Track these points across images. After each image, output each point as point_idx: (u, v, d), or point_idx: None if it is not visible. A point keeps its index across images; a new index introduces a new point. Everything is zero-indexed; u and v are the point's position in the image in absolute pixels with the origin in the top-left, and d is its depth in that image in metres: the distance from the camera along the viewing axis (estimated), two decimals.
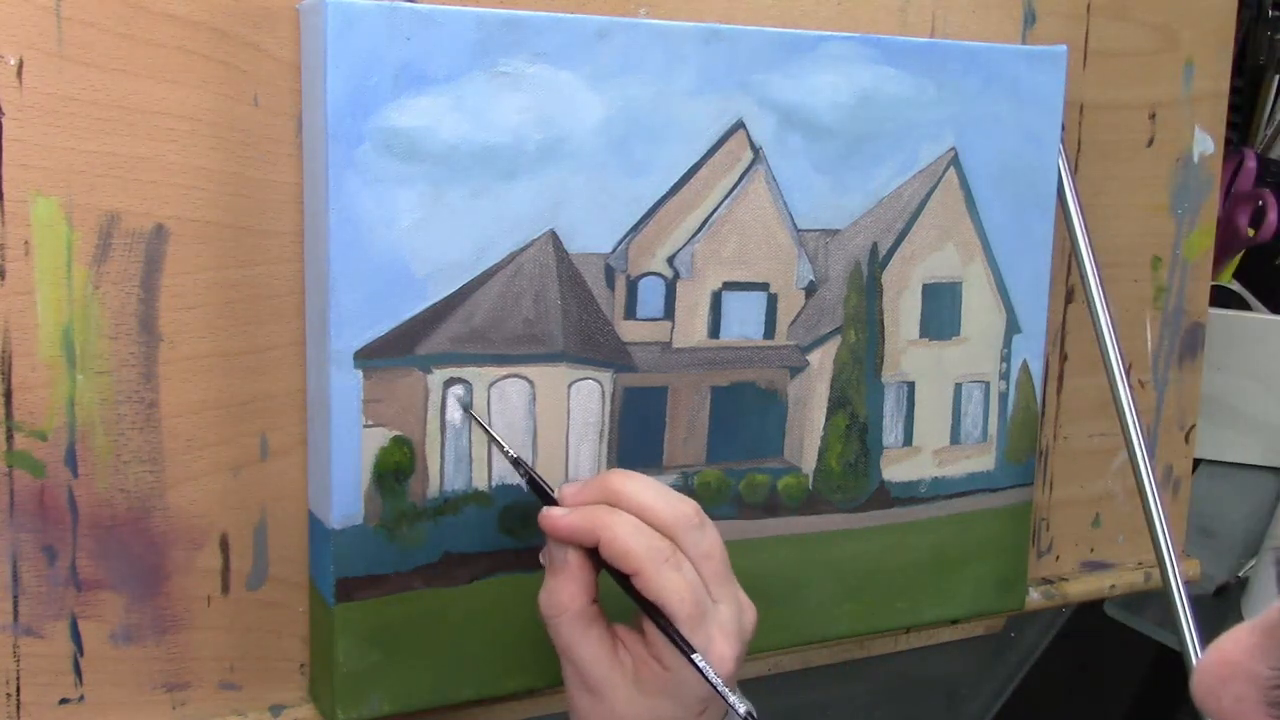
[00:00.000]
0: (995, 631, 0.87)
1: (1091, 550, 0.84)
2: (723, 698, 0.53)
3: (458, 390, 0.59)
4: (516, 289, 0.59)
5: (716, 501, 0.65)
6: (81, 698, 0.57)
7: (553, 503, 0.57)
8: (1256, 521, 1.03)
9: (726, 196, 0.64)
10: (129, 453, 0.56)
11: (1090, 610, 0.93)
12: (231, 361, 0.58)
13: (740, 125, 0.63)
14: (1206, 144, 0.83)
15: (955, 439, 0.72)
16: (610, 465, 0.63)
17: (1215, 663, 0.34)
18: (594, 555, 0.56)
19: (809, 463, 0.68)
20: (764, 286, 0.66)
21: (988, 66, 0.69)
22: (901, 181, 0.68)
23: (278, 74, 0.57)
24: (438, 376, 0.58)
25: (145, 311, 0.56)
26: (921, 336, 0.70)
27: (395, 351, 0.57)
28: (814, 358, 0.68)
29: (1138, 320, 0.83)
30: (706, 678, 0.53)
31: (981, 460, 0.73)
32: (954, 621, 0.78)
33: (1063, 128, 0.73)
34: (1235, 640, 0.34)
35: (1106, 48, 0.78)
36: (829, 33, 0.65)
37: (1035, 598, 0.81)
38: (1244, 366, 1.05)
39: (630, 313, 0.63)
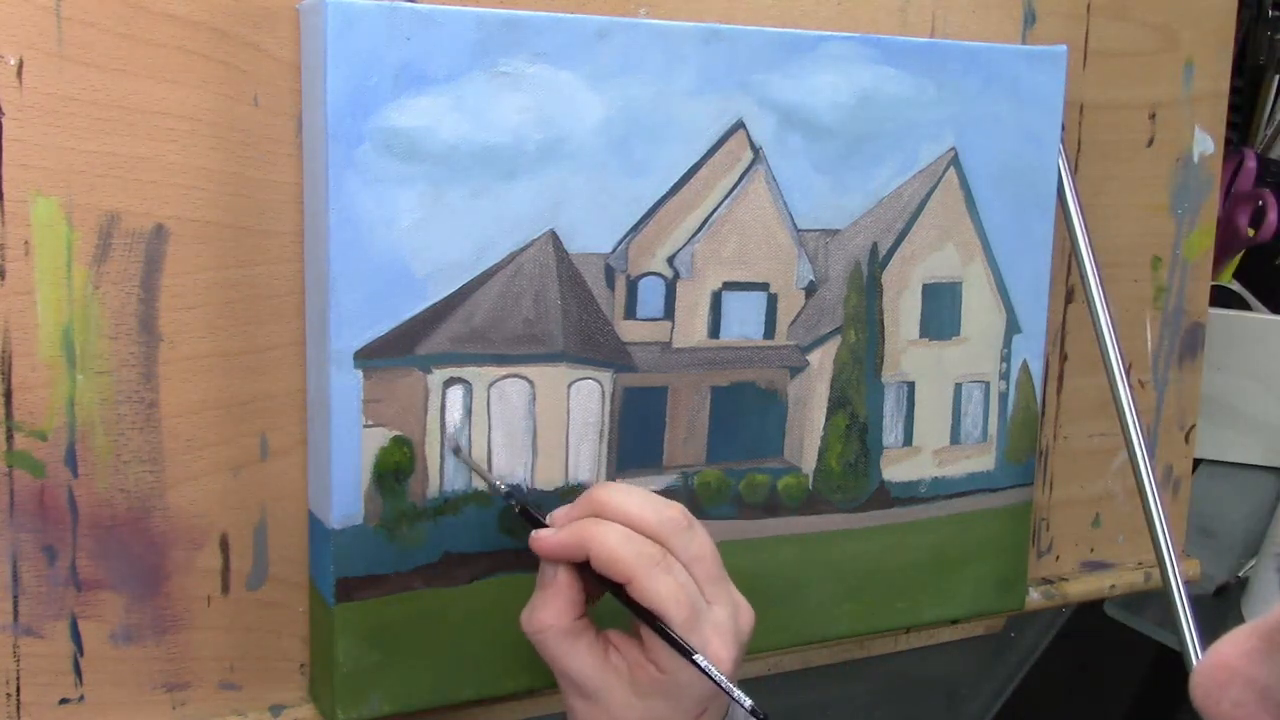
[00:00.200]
0: (995, 631, 0.87)
1: (1091, 550, 0.84)
2: (728, 694, 0.53)
3: (454, 426, 0.59)
4: (516, 289, 0.59)
5: (716, 501, 0.65)
6: (81, 698, 0.57)
7: (543, 527, 0.57)
8: (1256, 521, 1.03)
9: (726, 196, 0.64)
10: (129, 453, 0.56)
11: (1090, 610, 0.93)
12: (231, 361, 0.58)
13: (740, 125, 0.63)
14: (1206, 144, 0.83)
15: (955, 439, 0.72)
16: (610, 465, 0.63)
17: (1214, 666, 0.34)
18: (586, 572, 0.56)
19: (809, 463, 0.68)
20: (764, 286, 0.66)
21: (988, 66, 0.69)
22: (901, 181, 0.68)
23: (278, 74, 0.57)
24: (438, 376, 0.58)
25: (145, 311, 0.56)
26: (921, 336, 0.70)
27: (395, 351, 0.57)
28: (814, 358, 0.68)
29: (1138, 320, 0.83)
30: (711, 677, 0.53)
31: (981, 460, 0.73)
32: (954, 621, 0.78)
33: (1063, 128, 0.73)
34: (1234, 643, 0.34)
35: (1106, 48, 0.78)
36: (829, 33, 0.65)
37: (1035, 598, 0.81)
38: (1244, 366, 1.05)
39: (630, 313, 0.63)
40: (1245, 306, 1.10)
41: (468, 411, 0.59)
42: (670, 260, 0.63)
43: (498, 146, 0.58)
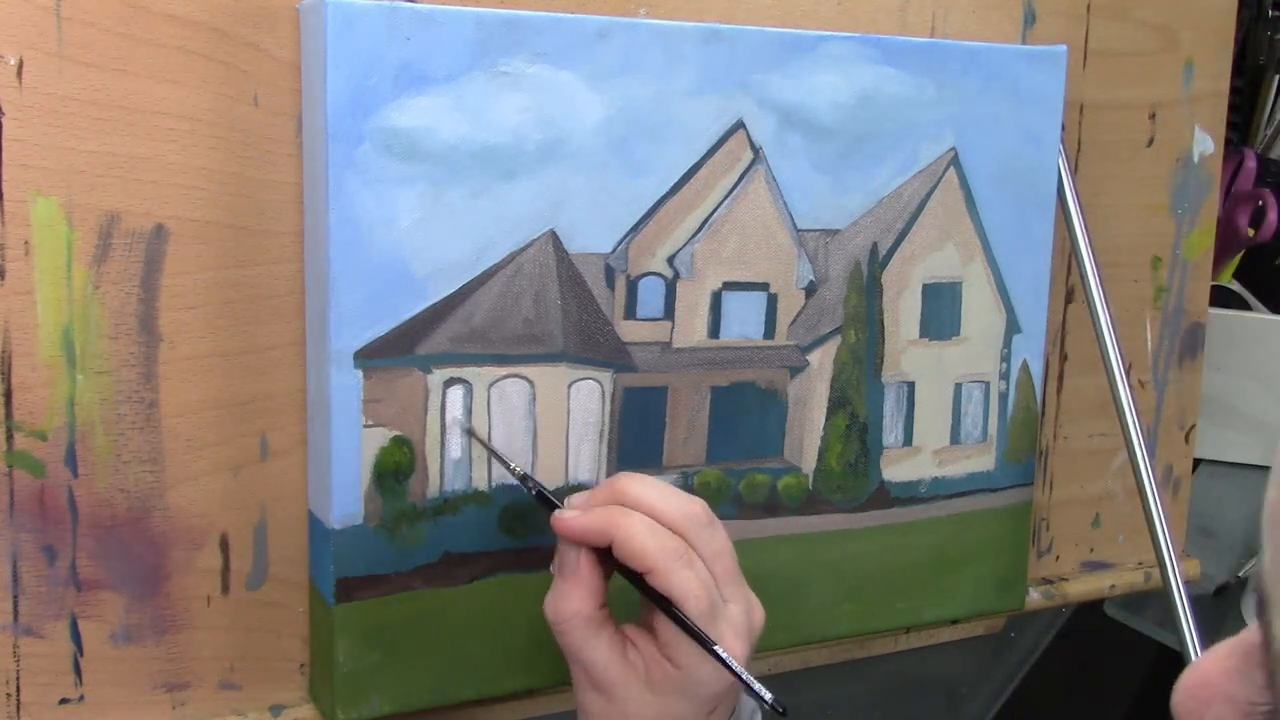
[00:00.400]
0: (995, 631, 0.87)
1: (1091, 550, 0.84)
2: (747, 686, 0.53)
3: (457, 412, 0.59)
4: (516, 289, 0.59)
5: (716, 501, 0.65)
6: (81, 698, 0.57)
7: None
8: (1256, 521, 1.02)
9: (726, 196, 0.64)
10: (129, 453, 0.56)
11: (1090, 610, 0.93)
12: (231, 361, 0.58)
13: (740, 125, 0.63)
14: (1206, 144, 0.83)
15: (955, 439, 0.72)
16: (610, 465, 0.63)
17: (1195, 684, 0.34)
18: (604, 560, 0.56)
19: (809, 463, 0.68)
20: (764, 286, 0.66)
21: (988, 66, 0.69)
22: (901, 181, 0.68)
23: (278, 74, 0.57)
24: (438, 376, 0.58)
25: (145, 311, 0.56)
26: (921, 336, 0.70)
27: (395, 351, 0.57)
28: (814, 358, 0.68)
29: (1138, 320, 0.83)
30: (732, 669, 0.53)
31: (981, 460, 0.73)
32: (954, 621, 0.78)
33: (1063, 128, 0.73)
34: (1215, 661, 0.34)
35: (1106, 48, 0.78)
36: (829, 33, 0.65)
37: (1035, 598, 0.81)
38: (1244, 366, 1.05)
39: (630, 313, 0.63)
40: (1245, 306, 1.10)
41: (468, 411, 0.59)
42: (670, 260, 0.63)
43: (498, 146, 0.58)
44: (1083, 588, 0.83)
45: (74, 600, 0.56)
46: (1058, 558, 0.83)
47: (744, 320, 0.65)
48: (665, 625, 0.54)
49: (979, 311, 0.72)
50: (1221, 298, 1.07)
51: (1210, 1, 0.82)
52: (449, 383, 0.59)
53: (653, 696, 0.55)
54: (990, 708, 0.90)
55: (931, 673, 0.87)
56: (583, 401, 0.62)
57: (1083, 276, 0.73)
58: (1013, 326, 0.73)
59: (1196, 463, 0.92)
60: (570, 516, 0.55)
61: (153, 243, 0.55)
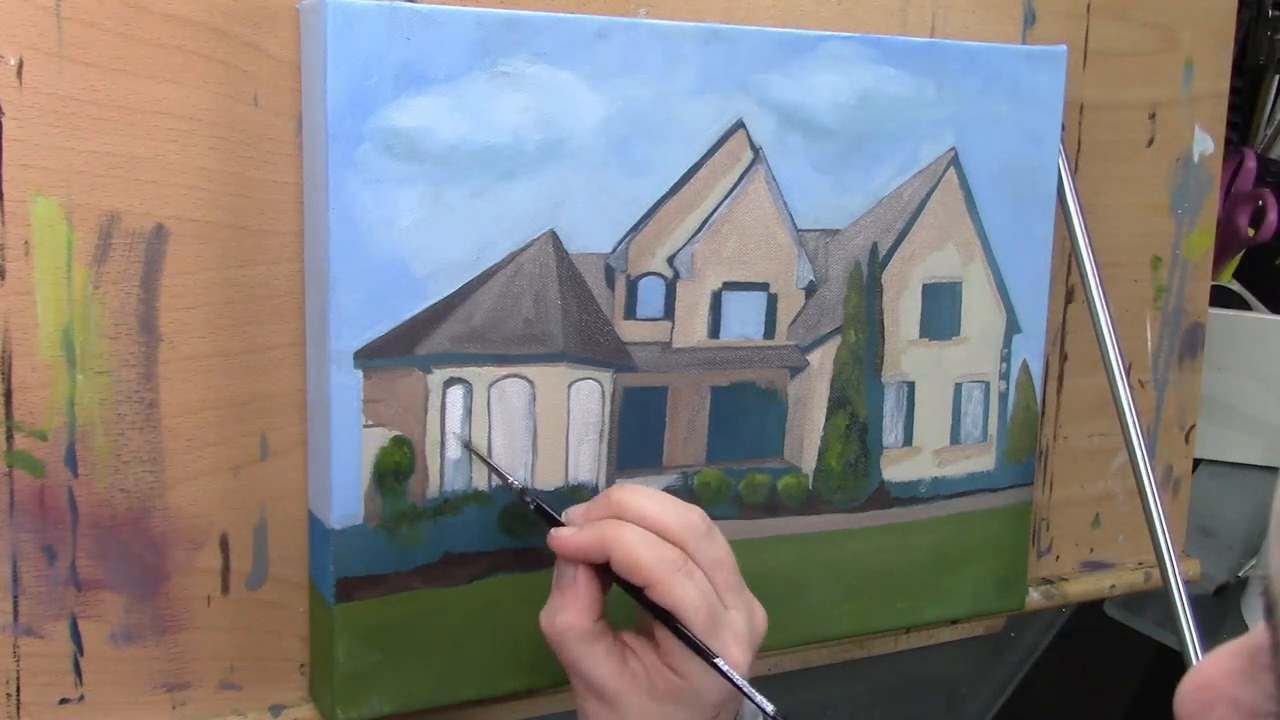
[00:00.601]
0: (995, 631, 0.87)
1: (1091, 550, 0.84)
2: (750, 698, 0.53)
3: (455, 425, 0.59)
4: (516, 289, 0.59)
5: (716, 502, 0.65)
6: (81, 698, 0.57)
7: (560, 525, 0.57)
8: (1256, 521, 1.02)
9: (726, 196, 0.64)
10: (129, 453, 0.56)
11: (1090, 610, 0.93)
12: (231, 361, 0.58)
13: (740, 125, 0.63)
14: (1206, 144, 0.83)
15: (955, 439, 0.72)
16: (610, 465, 0.63)
17: (1198, 687, 0.34)
18: (602, 572, 0.55)
19: (809, 463, 0.68)
20: (764, 286, 0.66)
21: (988, 66, 0.69)
22: (901, 181, 0.68)
23: (278, 74, 0.57)
24: (438, 376, 0.58)
25: (145, 311, 0.56)
26: (921, 336, 0.70)
27: (395, 351, 0.57)
28: (814, 358, 0.68)
29: (1138, 320, 0.83)
30: (734, 682, 0.53)
31: (981, 460, 0.73)
32: (954, 621, 0.78)
33: (1063, 128, 0.73)
34: (1217, 664, 0.34)
35: (1106, 48, 0.78)
36: (829, 33, 0.65)
37: (1035, 598, 0.81)
38: (1244, 366, 1.05)
39: (630, 313, 0.63)
40: (1245, 306, 1.10)
41: (468, 411, 0.59)
42: (670, 260, 0.63)
43: (498, 146, 0.58)
44: (1083, 588, 0.83)
45: (74, 600, 0.56)
46: (1058, 558, 0.83)
47: (744, 320, 0.65)
48: (666, 635, 0.54)
49: (979, 311, 0.72)
50: (1221, 298, 1.07)
51: (1210, 1, 0.82)
52: (449, 383, 0.59)
53: (654, 704, 0.55)
54: (990, 708, 0.90)
55: (931, 673, 0.87)
56: (583, 401, 0.62)
57: (1083, 276, 0.73)
58: (1013, 326, 0.73)
59: (1196, 463, 0.92)
60: (566, 535, 0.55)
61: (153, 243, 0.55)
